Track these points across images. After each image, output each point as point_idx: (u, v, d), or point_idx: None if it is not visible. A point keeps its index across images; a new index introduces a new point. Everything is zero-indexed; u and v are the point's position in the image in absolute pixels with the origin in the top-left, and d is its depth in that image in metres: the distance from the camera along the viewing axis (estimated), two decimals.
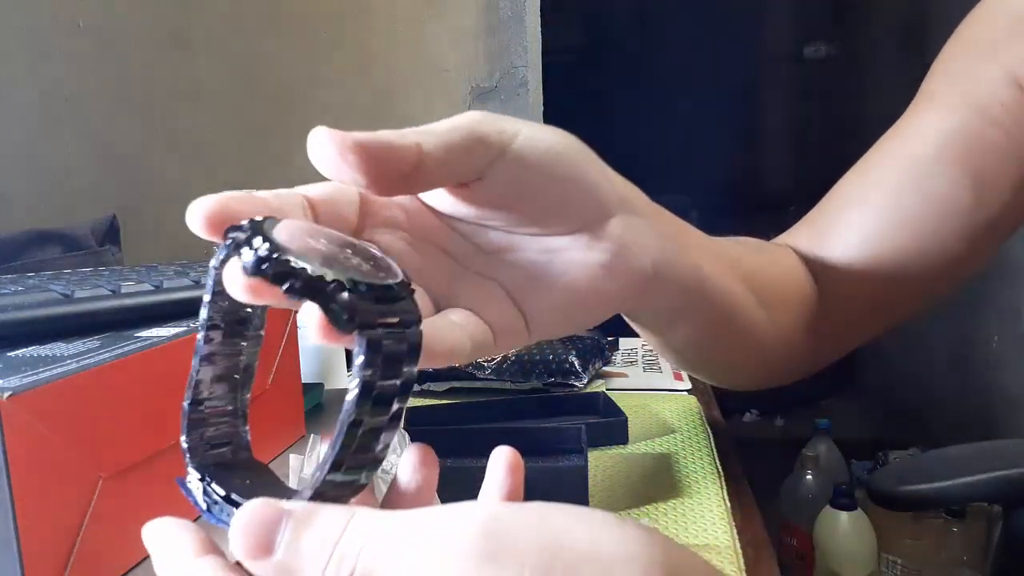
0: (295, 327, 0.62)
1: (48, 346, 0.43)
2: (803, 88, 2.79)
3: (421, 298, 0.27)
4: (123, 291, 0.49)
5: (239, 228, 0.22)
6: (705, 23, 2.69)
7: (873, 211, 0.45)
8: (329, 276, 0.21)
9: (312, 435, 0.49)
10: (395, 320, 0.22)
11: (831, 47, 2.77)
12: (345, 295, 0.21)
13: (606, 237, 0.30)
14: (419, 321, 0.22)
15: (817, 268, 0.46)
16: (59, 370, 0.37)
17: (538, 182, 0.29)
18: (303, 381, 0.64)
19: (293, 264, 0.20)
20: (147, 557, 0.44)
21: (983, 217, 0.43)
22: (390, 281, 0.22)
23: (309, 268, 0.20)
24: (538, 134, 0.29)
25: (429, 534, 0.18)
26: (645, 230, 0.32)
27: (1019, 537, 0.95)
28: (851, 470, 2.03)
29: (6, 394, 0.33)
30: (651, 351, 0.99)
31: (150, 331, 0.47)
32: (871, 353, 2.53)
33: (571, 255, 0.30)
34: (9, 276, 0.63)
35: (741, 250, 0.43)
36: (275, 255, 0.20)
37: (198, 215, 0.23)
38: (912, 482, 0.96)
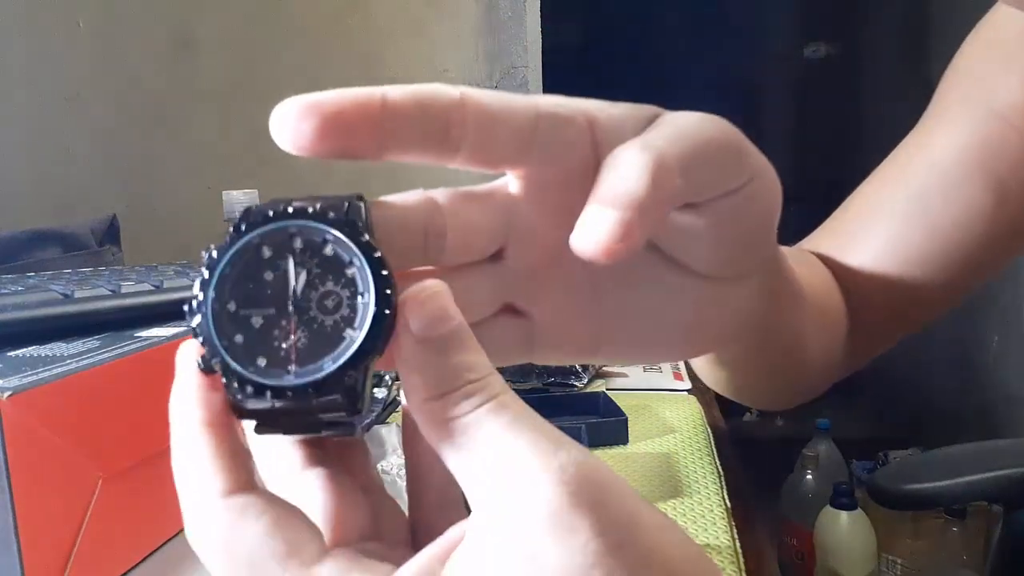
0: None
1: (48, 346, 0.43)
2: (803, 88, 2.78)
3: (481, 283, 0.24)
4: (123, 291, 0.49)
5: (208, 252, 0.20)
6: (705, 23, 2.69)
7: (898, 219, 0.44)
8: (235, 381, 0.19)
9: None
10: (329, 418, 0.20)
11: (831, 47, 2.77)
12: (255, 404, 0.19)
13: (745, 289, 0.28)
14: (357, 415, 0.20)
15: (841, 277, 0.45)
16: (59, 370, 0.37)
17: (758, 226, 0.26)
18: None
19: (208, 347, 0.20)
20: (147, 557, 0.44)
21: (1006, 223, 0.43)
22: (320, 374, 0.19)
23: (214, 361, 0.19)
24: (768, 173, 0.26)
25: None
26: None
27: (1019, 537, 0.95)
28: (851, 470, 2.03)
29: (6, 394, 0.33)
30: None
31: (150, 331, 0.47)
32: None
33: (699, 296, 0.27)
34: (9, 276, 0.63)
35: (804, 272, 0.40)
36: (196, 325, 0.20)
37: (308, 119, 0.21)
38: (913, 481, 0.96)
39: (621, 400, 0.71)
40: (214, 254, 0.20)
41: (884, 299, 0.45)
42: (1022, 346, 1.91)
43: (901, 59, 2.53)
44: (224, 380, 0.19)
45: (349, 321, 0.19)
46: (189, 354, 0.21)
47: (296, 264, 0.20)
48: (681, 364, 0.92)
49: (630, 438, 0.66)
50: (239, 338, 0.19)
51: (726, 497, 0.55)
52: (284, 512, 0.19)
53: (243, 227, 0.20)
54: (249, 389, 0.19)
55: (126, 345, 0.43)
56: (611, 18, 2.65)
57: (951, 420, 2.11)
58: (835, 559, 1.49)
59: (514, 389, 0.19)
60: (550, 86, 1.33)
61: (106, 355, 0.40)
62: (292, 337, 0.19)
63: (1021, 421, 1.87)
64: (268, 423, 0.20)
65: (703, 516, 0.52)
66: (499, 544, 0.17)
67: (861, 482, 1.92)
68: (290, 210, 0.20)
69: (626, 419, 0.67)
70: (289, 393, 0.19)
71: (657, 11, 2.65)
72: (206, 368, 0.20)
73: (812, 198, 0.48)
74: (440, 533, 0.20)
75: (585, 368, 0.81)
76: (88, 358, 0.40)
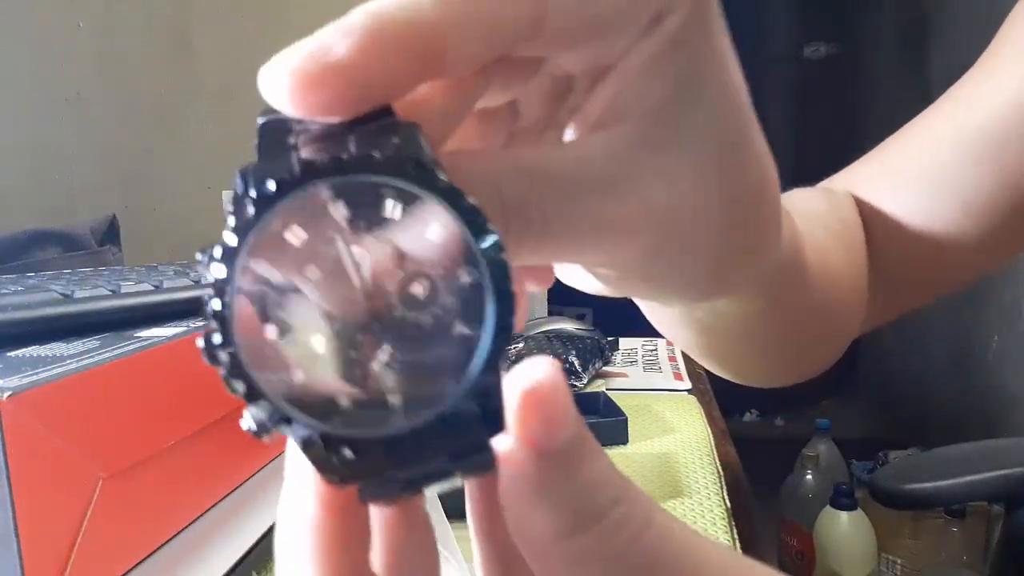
0: None
1: (48, 346, 0.43)
2: (803, 88, 2.79)
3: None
4: (123, 291, 0.49)
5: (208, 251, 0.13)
6: None
7: (962, 157, 0.39)
8: (298, 428, 0.13)
9: None
10: (420, 472, 0.14)
11: (831, 47, 2.77)
12: (327, 457, 0.13)
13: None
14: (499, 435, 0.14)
15: (879, 221, 0.40)
16: (59, 370, 0.37)
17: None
18: None
19: (249, 389, 0.13)
20: (147, 557, 0.44)
21: None
22: (443, 406, 0.13)
23: (273, 422, 0.13)
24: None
25: None
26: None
27: (1019, 537, 0.95)
28: (851, 470, 2.03)
29: (6, 394, 0.33)
30: (651, 351, 0.99)
31: (150, 331, 0.47)
32: (871, 353, 2.53)
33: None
34: (9, 276, 0.63)
35: (819, 237, 0.36)
36: (226, 374, 0.13)
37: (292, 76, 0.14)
38: (913, 481, 0.96)
39: (621, 400, 0.71)
40: (218, 257, 0.13)
41: (929, 245, 0.39)
42: (1022, 346, 1.91)
43: (901, 59, 2.53)
44: (300, 444, 0.13)
45: (454, 311, 0.13)
46: (296, 456, 0.14)
47: (349, 244, 0.13)
48: (681, 364, 0.92)
49: (630, 438, 0.66)
50: (299, 377, 0.13)
51: (726, 497, 0.55)
52: None
53: (249, 207, 0.13)
54: (343, 451, 0.13)
55: (126, 345, 0.43)
56: None
57: (951, 420, 2.11)
58: (835, 559, 1.49)
59: None
60: None
61: (106, 355, 0.40)
62: (379, 354, 0.13)
63: (1021, 421, 1.88)
64: (376, 488, 0.13)
65: (703, 516, 0.52)
66: None
67: (861, 482, 1.92)
68: (311, 162, 0.13)
69: (626, 419, 0.67)
70: (406, 442, 0.13)
71: None
72: (262, 432, 0.13)
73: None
74: None
75: (585, 368, 0.81)
76: (88, 358, 0.40)
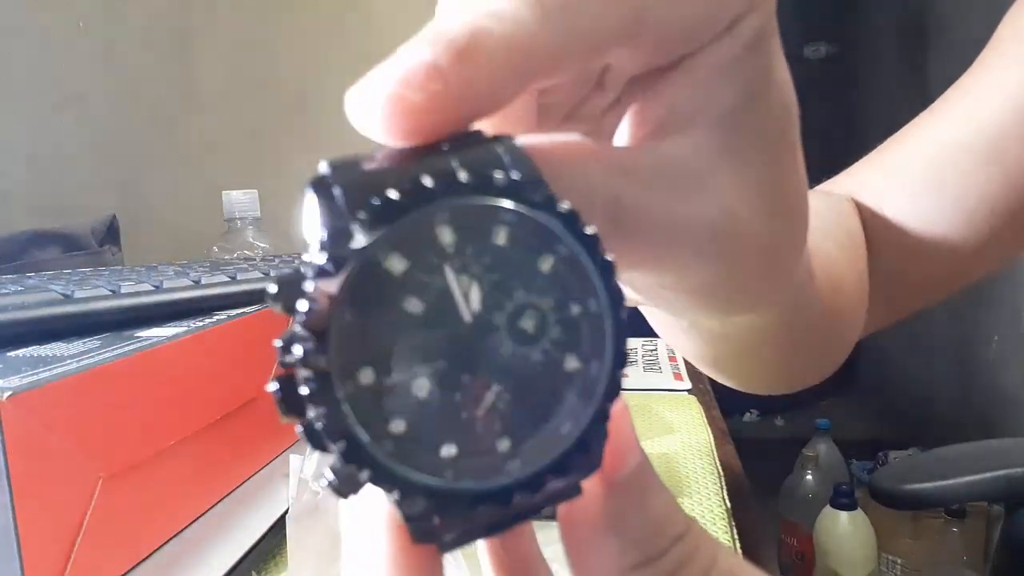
0: None
1: (48, 346, 0.43)
2: (803, 88, 2.78)
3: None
4: (123, 291, 0.49)
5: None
6: None
7: (962, 160, 0.39)
8: (418, 499, 0.12)
9: None
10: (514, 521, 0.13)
11: (831, 47, 2.77)
12: (421, 513, 0.12)
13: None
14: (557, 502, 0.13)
15: (879, 225, 0.40)
16: (59, 370, 0.37)
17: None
18: None
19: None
20: (147, 557, 0.44)
21: None
22: (559, 449, 0.12)
23: (365, 477, 0.11)
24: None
25: None
26: None
27: (1019, 537, 0.95)
28: (851, 470, 2.03)
29: (6, 394, 0.33)
30: (651, 351, 0.99)
31: (150, 331, 0.47)
32: (871, 353, 2.53)
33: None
34: (9, 276, 0.63)
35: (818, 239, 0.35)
36: (318, 423, 0.12)
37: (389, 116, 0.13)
38: (913, 481, 0.96)
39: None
40: (313, 304, 0.11)
41: (930, 247, 0.39)
42: (1022, 346, 1.91)
43: (901, 59, 2.53)
44: (395, 501, 0.12)
45: (567, 345, 0.12)
46: (375, 512, 0.13)
47: (457, 272, 0.12)
48: (681, 364, 0.92)
49: None
50: (398, 426, 0.11)
51: (726, 497, 0.55)
52: None
53: (352, 230, 0.11)
54: (451, 509, 0.12)
55: (126, 345, 0.43)
56: None
57: (951, 420, 2.11)
58: (835, 559, 1.49)
59: None
60: None
61: (106, 355, 0.40)
62: (488, 396, 0.12)
63: (1021, 421, 1.87)
64: (468, 535, 0.12)
65: (703, 516, 0.52)
66: None
67: (861, 482, 1.92)
68: (422, 183, 0.11)
69: None
70: (518, 495, 0.12)
71: None
72: (342, 488, 0.12)
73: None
74: None
75: None
76: (88, 358, 0.40)
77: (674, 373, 0.88)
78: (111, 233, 0.92)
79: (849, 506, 1.50)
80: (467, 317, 0.12)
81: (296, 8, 1.31)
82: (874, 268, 0.40)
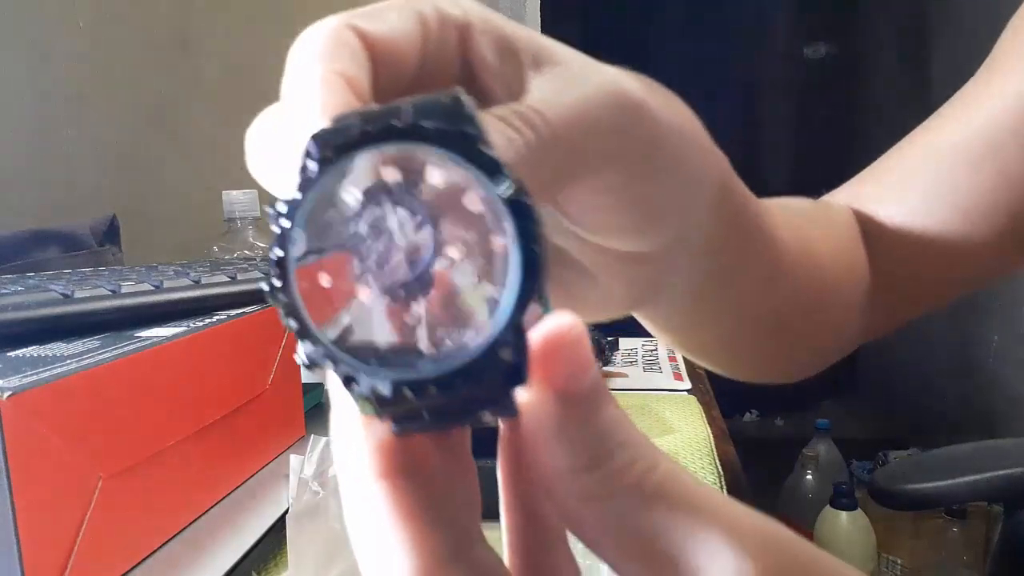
0: None
1: (48, 346, 0.43)
2: (803, 88, 2.79)
3: None
4: (123, 291, 0.49)
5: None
6: (705, 23, 2.69)
7: (960, 163, 0.39)
8: (341, 368, 0.14)
9: (312, 435, 0.49)
10: (446, 412, 0.15)
11: (831, 47, 2.77)
12: (389, 406, 0.14)
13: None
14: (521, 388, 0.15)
15: (875, 229, 0.41)
16: (59, 370, 0.37)
17: (669, 197, 0.24)
18: (303, 381, 0.64)
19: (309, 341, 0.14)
20: (147, 557, 0.44)
21: None
22: (466, 357, 0.14)
23: (320, 358, 0.15)
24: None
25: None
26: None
27: (1019, 537, 0.95)
28: (851, 470, 2.03)
29: (6, 394, 0.33)
30: (651, 351, 0.99)
31: (150, 331, 0.47)
32: (871, 353, 2.53)
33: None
34: (9, 276, 0.63)
35: (808, 232, 0.36)
36: (284, 313, 0.14)
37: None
38: (913, 481, 0.96)
39: (621, 400, 0.70)
40: (283, 212, 0.15)
41: (930, 252, 0.39)
42: (1022, 346, 1.91)
43: (901, 59, 2.53)
44: (341, 380, 0.15)
45: (486, 273, 0.14)
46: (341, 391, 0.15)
47: (396, 205, 0.15)
48: (681, 364, 0.92)
49: None
50: (345, 319, 0.15)
51: None
52: None
53: (313, 167, 0.15)
54: (379, 387, 0.14)
55: (126, 345, 0.43)
56: (611, 18, 2.65)
57: (951, 420, 2.11)
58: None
59: None
60: None
61: (106, 355, 0.40)
62: (416, 306, 0.15)
63: (1021, 421, 1.88)
64: (408, 421, 0.15)
65: None
66: None
67: (861, 482, 1.92)
68: (369, 129, 0.14)
69: None
70: (432, 388, 0.14)
71: (657, 11, 2.65)
72: (311, 366, 0.15)
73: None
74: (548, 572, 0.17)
75: None
76: (88, 358, 0.40)
77: (674, 373, 0.88)
78: (111, 233, 0.92)
79: (849, 506, 1.50)
80: (401, 242, 0.15)
81: (296, 8, 1.31)
82: (877, 273, 0.40)
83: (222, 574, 0.43)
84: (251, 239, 0.93)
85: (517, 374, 0.15)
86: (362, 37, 0.19)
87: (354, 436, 0.15)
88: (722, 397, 0.83)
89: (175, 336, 0.46)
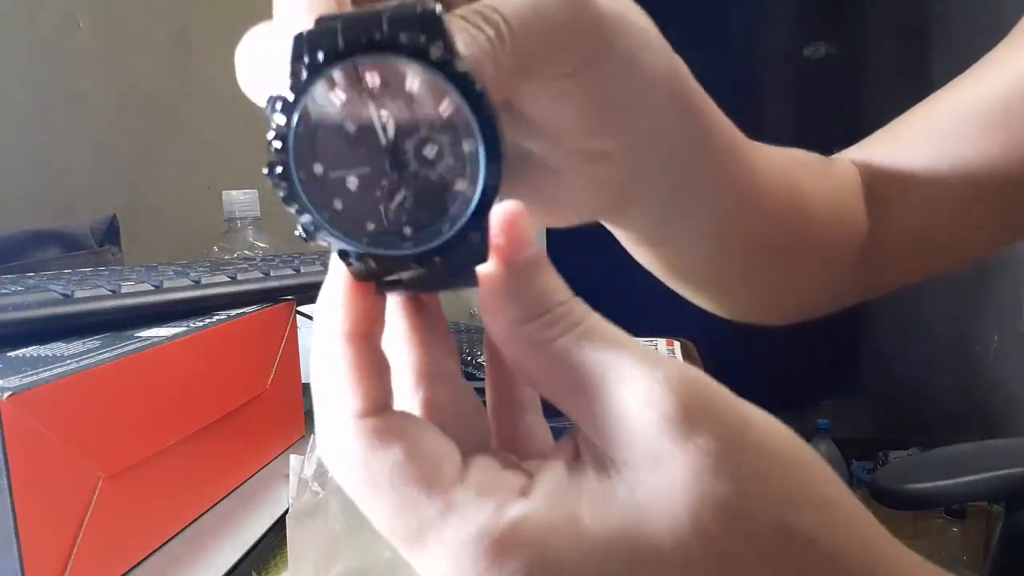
0: (295, 327, 0.62)
1: (48, 346, 0.43)
2: (803, 88, 2.79)
3: None
4: (123, 291, 0.49)
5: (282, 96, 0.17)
6: (705, 22, 2.69)
7: (974, 127, 0.39)
8: (335, 243, 0.17)
9: (312, 435, 0.49)
10: (420, 278, 0.18)
11: (831, 47, 2.76)
12: (354, 263, 0.18)
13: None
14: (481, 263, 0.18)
15: (884, 187, 0.41)
16: (59, 370, 0.37)
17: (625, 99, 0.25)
18: (303, 381, 0.64)
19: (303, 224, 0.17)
20: (147, 557, 0.44)
21: None
22: (440, 239, 0.17)
23: (318, 234, 0.17)
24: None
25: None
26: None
27: (1019, 537, 0.95)
28: (851, 470, 2.03)
29: (6, 394, 0.33)
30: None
31: (150, 331, 0.47)
32: (871, 353, 2.53)
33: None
34: (9, 276, 0.63)
35: (799, 175, 0.37)
36: (284, 195, 0.17)
37: None
38: (914, 481, 0.96)
39: None
40: (279, 108, 0.17)
41: (933, 212, 0.40)
42: (1022, 346, 1.91)
43: (901, 59, 2.53)
44: (338, 253, 0.18)
45: (456, 171, 0.17)
46: (337, 264, 0.19)
47: (378, 108, 0.17)
48: None
49: None
50: (338, 204, 0.17)
51: None
52: (420, 432, 0.19)
53: (303, 71, 0.16)
54: (368, 263, 0.17)
55: (126, 345, 0.43)
56: None
57: (951, 420, 2.11)
58: None
59: None
60: None
61: (106, 355, 0.40)
62: (398, 197, 0.17)
63: (1021, 421, 1.88)
64: (389, 287, 0.18)
65: None
66: (623, 457, 0.18)
67: (861, 482, 1.92)
68: (353, 39, 0.16)
69: None
70: (412, 264, 0.17)
71: (657, 11, 2.65)
72: (305, 235, 0.17)
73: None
74: (524, 438, 0.22)
75: None
76: (88, 358, 0.40)
77: None
78: (111, 233, 0.92)
79: None
80: (383, 141, 0.17)
81: None
82: (876, 229, 0.40)
83: (222, 574, 0.43)
84: (251, 239, 0.93)
85: (480, 253, 0.18)
86: None
87: (335, 300, 0.19)
88: None
89: (175, 336, 0.46)
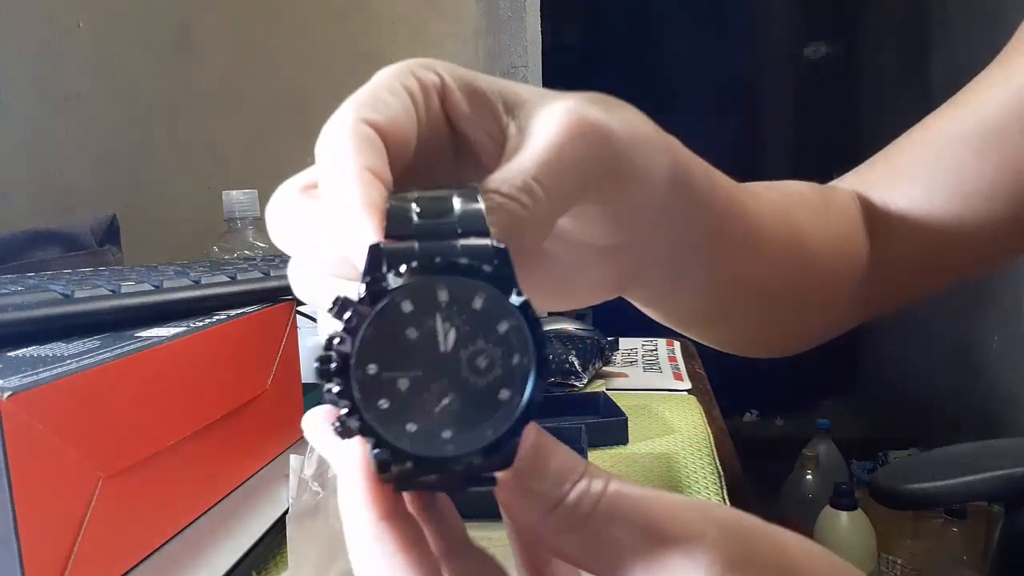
0: (295, 327, 0.62)
1: (48, 346, 0.43)
2: (803, 88, 2.79)
3: None
4: (123, 291, 0.49)
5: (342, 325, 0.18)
6: (705, 23, 2.69)
7: (967, 150, 0.40)
8: (386, 450, 0.18)
9: None
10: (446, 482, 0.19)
11: (831, 47, 2.77)
12: (408, 475, 0.18)
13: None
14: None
15: (883, 215, 0.41)
16: (59, 370, 0.37)
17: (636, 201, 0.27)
18: (303, 381, 0.64)
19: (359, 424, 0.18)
20: (147, 557, 0.44)
21: None
22: (482, 443, 0.18)
23: (357, 428, 0.18)
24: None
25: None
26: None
27: (1019, 537, 0.95)
28: (851, 470, 2.03)
29: (6, 394, 0.33)
30: (651, 351, 0.99)
31: (150, 331, 0.47)
32: (871, 353, 2.53)
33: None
34: (9, 276, 0.63)
35: (799, 214, 0.38)
36: (337, 391, 0.18)
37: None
38: (914, 481, 0.96)
39: (621, 400, 0.71)
40: (349, 313, 0.18)
41: (931, 237, 0.40)
42: (1022, 346, 1.91)
43: (901, 59, 2.53)
44: (372, 448, 0.18)
45: (504, 382, 0.18)
46: (353, 453, 0.19)
47: (443, 320, 0.18)
48: (681, 364, 0.92)
49: (630, 438, 0.66)
50: (384, 403, 0.18)
51: (726, 497, 0.55)
52: None
53: (383, 281, 0.18)
54: (405, 463, 0.18)
55: (126, 345, 0.43)
56: (611, 18, 2.65)
57: (951, 420, 2.10)
58: None
59: None
60: (550, 86, 1.33)
61: (106, 355, 0.40)
62: (443, 400, 0.18)
63: (1021, 421, 1.87)
64: (413, 486, 0.19)
65: None
66: None
67: (861, 482, 1.92)
68: (437, 261, 0.18)
69: (626, 419, 0.67)
70: (451, 464, 0.18)
71: (657, 11, 2.65)
72: (343, 432, 0.18)
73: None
74: None
75: (585, 368, 0.81)
76: (88, 358, 0.40)
77: (674, 373, 0.88)
78: (111, 233, 0.92)
79: (849, 506, 1.50)
80: (442, 348, 0.18)
81: (296, 8, 1.31)
82: (876, 256, 0.41)
83: (222, 574, 0.43)
84: (251, 239, 0.93)
85: (509, 460, 0.18)
86: (376, 129, 0.21)
87: (362, 491, 0.19)
88: (722, 397, 0.83)
89: (175, 336, 0.46)
